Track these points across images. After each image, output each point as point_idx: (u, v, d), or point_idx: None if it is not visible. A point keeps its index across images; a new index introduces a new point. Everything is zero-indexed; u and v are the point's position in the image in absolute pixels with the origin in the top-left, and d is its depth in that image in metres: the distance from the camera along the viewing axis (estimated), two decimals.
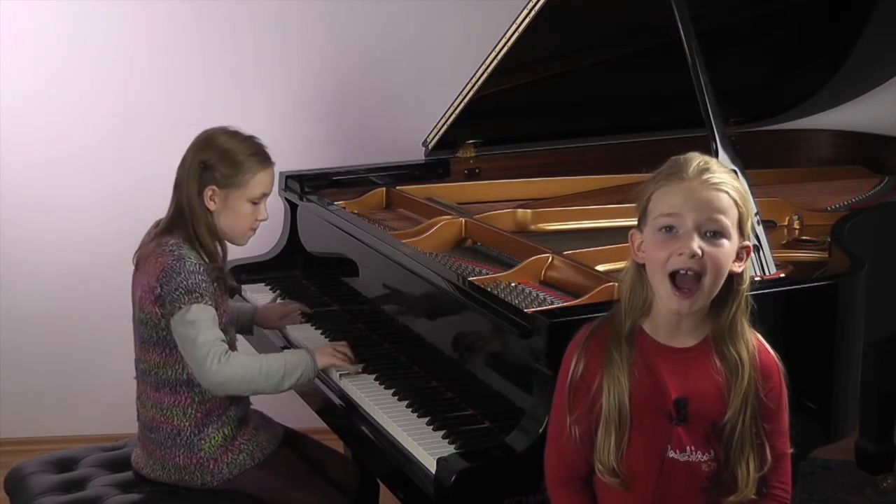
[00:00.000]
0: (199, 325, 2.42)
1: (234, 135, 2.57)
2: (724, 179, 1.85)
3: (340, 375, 2.54)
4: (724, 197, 1.83)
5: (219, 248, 2.55)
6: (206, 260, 2.49)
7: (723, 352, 1.88)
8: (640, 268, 1.90)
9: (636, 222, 1.92)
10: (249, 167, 2.53)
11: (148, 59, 3.75)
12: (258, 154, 2.56)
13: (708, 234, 1.83)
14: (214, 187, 2.51)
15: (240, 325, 2.81)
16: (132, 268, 2.61)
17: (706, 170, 1.85)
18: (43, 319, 3.81)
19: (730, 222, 1.83)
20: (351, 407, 2.46)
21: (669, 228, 1.83)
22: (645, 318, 1.91)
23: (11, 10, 3.66)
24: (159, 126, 3.78)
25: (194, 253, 2.48)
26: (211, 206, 2.52)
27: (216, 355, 2.40)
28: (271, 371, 2.47)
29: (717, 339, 1.89)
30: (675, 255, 1.82)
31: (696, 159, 1.87)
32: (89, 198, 3.78)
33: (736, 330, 1.88)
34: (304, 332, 2.83)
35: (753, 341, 1.91)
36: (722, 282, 1.85)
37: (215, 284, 2.48)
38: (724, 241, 1.83)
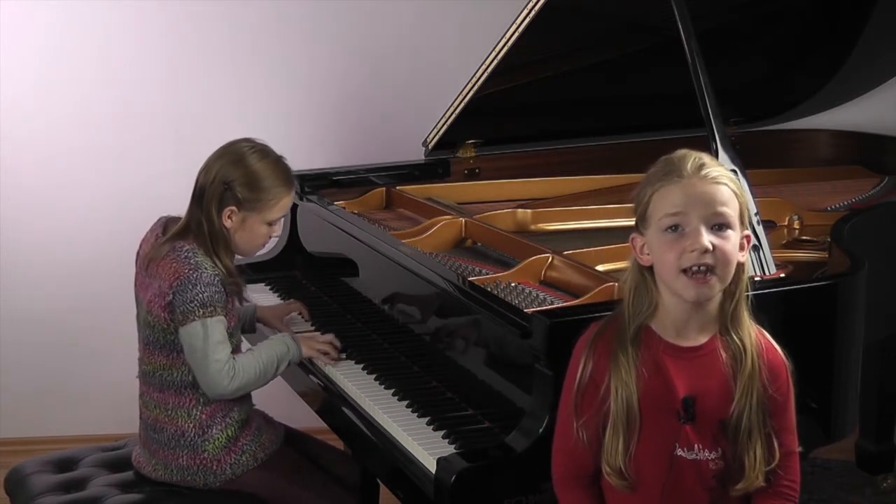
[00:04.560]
0: (211, 342, 2.41)
1: (264, 155, 2.53)
2: (721, 172, 1.88)
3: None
4: (724, 189, 1.86)
5: (233, 261, 2.53)
6: (223, 270, 2.47)
7: (727, 342, 1.90)
8: (643, 270, 1.91)
9: (634, 225, 1.93)
10: (274, 193, 2.51)
11: (148, 59, 3.75)
12: (283, 179, 2.53)
13: (714, 228, 1.85)
14: (234, 208, 2.49)
15: (243, 326, 2.80)
16: (133, 267, 2.61)
17: (703, 165, 1.87)
18: (43, 319, 3.81)
19: (733, 213, 1.86)
20: (351, 407, 2.46)
21: (675, 227, 1.85)
22: (651, 318, 1.92)
23: (11, 10, 3.66)
24: (159, 126, 3.78)
25: (209, 261, 2.46)
26: (228, 223, 2.50)
27: (226, 375, 2.43)
28: (267, 370, 2.52)
29: (722, 331, 1.91)
30: (687, 253, 1.83)
31: (691, 156, 1.88)
32: (89, 197, 3.78)
33: (739, 318, 1.90)
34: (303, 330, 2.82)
35: (758, 336, 1.93)
36: (733, 271, 1.87)
37: (227, 294, 2.48)
38: (731, 233, 1.86)
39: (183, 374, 2.49)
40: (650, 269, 1.91)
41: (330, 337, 2.67)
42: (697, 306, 1.88)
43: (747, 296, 1.91)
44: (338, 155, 3.71)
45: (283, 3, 3.78)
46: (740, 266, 1.88)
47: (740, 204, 1.88)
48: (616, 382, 1.88)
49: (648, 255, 1.90)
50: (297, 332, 2.74)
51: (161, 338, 2.48)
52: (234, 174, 2.48)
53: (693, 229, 1.84)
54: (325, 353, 2.62)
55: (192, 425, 2.50)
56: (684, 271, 1.84)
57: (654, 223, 1.87)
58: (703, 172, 1.86)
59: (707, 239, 1.83)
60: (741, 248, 1.88)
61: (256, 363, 2.51)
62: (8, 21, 3.66)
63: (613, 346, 1.90)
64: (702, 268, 1.83)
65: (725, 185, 1.86)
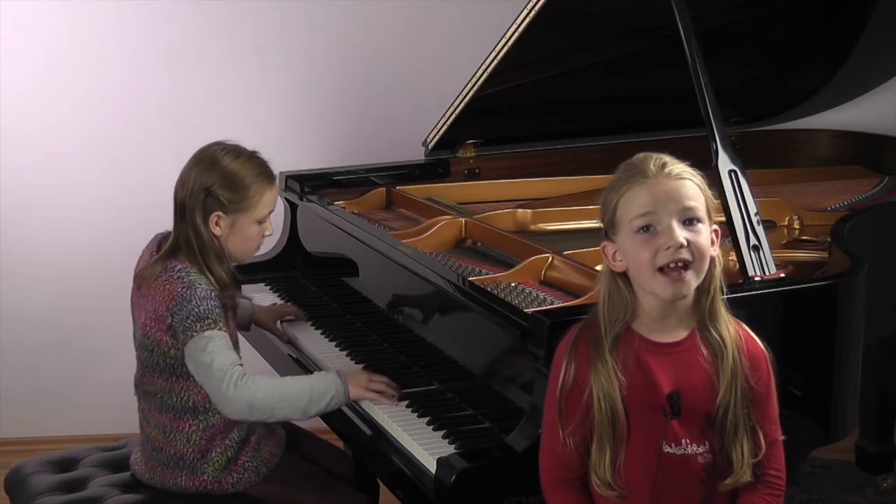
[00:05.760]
0: (214, 351, 2.33)
1: (237, 154, 2.46)
2: (684, 168, 1.90)
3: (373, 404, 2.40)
4: (689, 184, 1.88)
5: (227, 274, 2.45)
6: (216, 286, 2.41)
7: (706, 337, 1.91)
8: (617, 277, 1.92)
9: (603, 234, 1.94)
10: (256, 190, 2.44)
11: (148, 59, 3.76)
12: (262, 173, 2.47)
13: (686, 223, 1.86)
14: (220, 213, 2.43)
15: (238, 322, 2.77)
16: (133, 268, 2.60)
17: (665, 163, 1.89)
18: (43, 319, 3.81)
19: (701, 207, 1.88)
20: (350, 407, 2.45)
21: (647, 228, 1.86)
22: (630, 322, 1.92)
23: (12, 10, 3.66)
24: (159, 126, 3.78)
25: (203, 277, 2.40)
26: (217, 231, 2.44)
27: (232, 380, 2.31)
28: (294, 396, 2.36)
29: (700, 327, 1.91)
30: (662, 251, 1.84)
31: (652, 157, 1.90)
32: (89, 197, 3.78)
33: (716, 312, 1.91)
34: (307, 335, 2.82)
35: (737, 328, 1.93)
36: (707, 265, 1.88)
37: (224, 310, 2.41)
38: (701, 226, 1.87)
39: (183, 400, 2.43)
40: (624, 275, 1.92)
41: (385, 378, 2.43)
42: (673, 302, 1.89)
43: (723, 290, 1.92)
44: (338, 155, 3.72)
45: (284, 4, 3.78)
46: (712, 260, 1.90)
47: (706, 198, 1.89)
48: (598, 393, 1.88)
49: (621, 260, 1.90)
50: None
51: (161, 361, 2.43)
52: (212, 179, 2.42)
53: (665, 227, 1.85)
54: (381, 392, 2.39)
55: (190, 449, 2.45)
56: (661, 270, 1.85)
57: (625, 226, 1.88)
58: (667, 170, 1.88)
59: (681, 235, 1.84)
60: (711, 242, 1.89)
61: (280, 386, 2.38)
62: (8, 21, 3.66)
63: (592, 355, 1.90)
64: (679, 264, 1.84)
65: (689, 179, 1.88)
